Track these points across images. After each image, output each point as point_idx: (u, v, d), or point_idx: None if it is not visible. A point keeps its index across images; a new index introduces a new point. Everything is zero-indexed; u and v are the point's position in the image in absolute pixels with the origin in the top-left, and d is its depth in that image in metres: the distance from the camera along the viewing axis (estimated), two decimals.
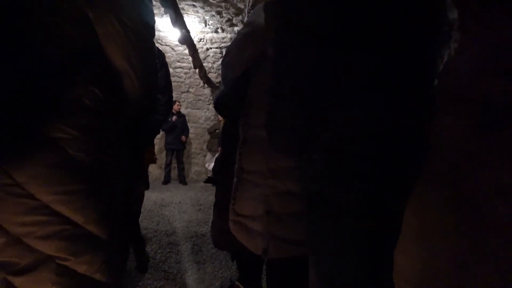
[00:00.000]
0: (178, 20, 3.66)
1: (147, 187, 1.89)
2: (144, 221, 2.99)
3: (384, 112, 0.58)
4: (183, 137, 5.54)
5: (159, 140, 5.92)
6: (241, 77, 1.14)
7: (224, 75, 1.25)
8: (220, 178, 1.48)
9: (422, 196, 1.04)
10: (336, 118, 0.61)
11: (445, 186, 0.97)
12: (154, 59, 0.84)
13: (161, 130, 4.93)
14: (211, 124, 6.14)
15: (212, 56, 6.30)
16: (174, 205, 3.89)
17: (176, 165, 5.79)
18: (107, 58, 0.71)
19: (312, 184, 0.66)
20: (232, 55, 1.14)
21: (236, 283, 1.60)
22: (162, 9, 3.67)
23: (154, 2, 0.91)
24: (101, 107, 0.70)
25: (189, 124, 5.89)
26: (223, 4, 4.86)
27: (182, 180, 5.66)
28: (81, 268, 0.68)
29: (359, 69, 0.58)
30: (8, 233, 0.62)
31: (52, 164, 0.63)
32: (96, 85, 0.68)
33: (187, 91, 6.37)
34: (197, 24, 5.67)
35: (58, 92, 0.63)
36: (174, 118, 5.38)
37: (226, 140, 1.42)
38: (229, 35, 6.02)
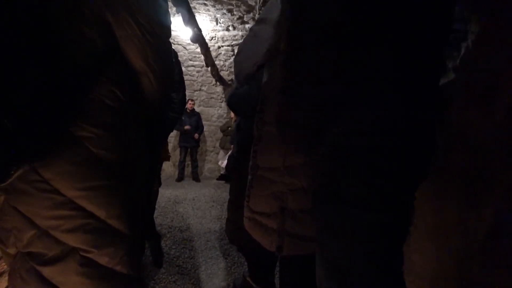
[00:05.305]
0: (190, 19, 3.70)
1: (159, 184, 1.93)
2: (158, 218, 3.05)
3: (392, 109, 0.58)
4: (196, 135, 5.60)
5: (173, 138, 6.01)
6: (254, 74, 1.14)
7: (237, 72, 1.25)
8: (235, 174, 1.49)
9: (439, 194, 1.02)
10: (346, 114, 0.62)
11: (463, 184, 0.95)
12: (171, 59, 0.86)
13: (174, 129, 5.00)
14: (224, 121, 6.18)
15: (224, 54, 6.32)
16: (188, 201, 3.95)
17: (189, 162, 5.87)
18: (126, 59, 0.74)
19: (320, 178, 0.67)
20: (245, 52, 1.14)
21: (247, 279, 1.61)
22: (174, 8, 3.72)
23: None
24: (122, 106, 0.73)
25: (202, 122, 5.95)
26: (234, 2, 4.88)
27: (196, 177, 5.73)
28: (103, 260, 0.71)
29: (369, 66, 0.58)
30: (37, 226, 0.66)
31: (76, 161, 0.67)
32: (116, 86, 0.71)
33: (200, 89, 6.43)
34: (209, 23, 5.71)
35: (81, 92, 0.66)
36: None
37: (240, 137, 1.42)
38: (240, 33, 6.03)
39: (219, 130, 6.11)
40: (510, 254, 0.80)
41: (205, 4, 4.99)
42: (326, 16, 0.58)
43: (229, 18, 5.51)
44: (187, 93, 2.07)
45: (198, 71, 6.39)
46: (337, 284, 0.65)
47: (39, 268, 0.67)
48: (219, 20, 5.64)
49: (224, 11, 5.21)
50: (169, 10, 0.82)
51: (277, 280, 1.62)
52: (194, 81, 6.39)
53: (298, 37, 0.63)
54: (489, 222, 0.86)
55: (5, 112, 0.52)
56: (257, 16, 4.80)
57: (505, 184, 0.82)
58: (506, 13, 0.78)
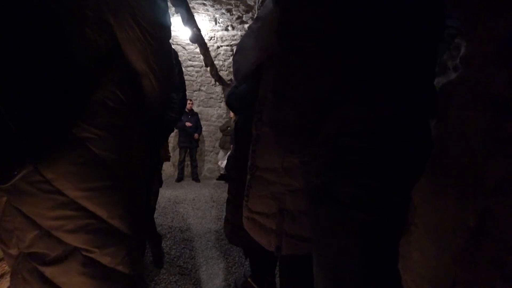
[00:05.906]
0: (189, 19, 3.71)
1: (161, 185, 1.93)
2: (159, 218, 3.06)
3: (387, 109, 0.59)
4: (196, 135, 5.61)
5: (172, 138, 6.01)
6: (253, 73, 1.14)
7: (235, 71, 1.25)
8: (234, 174, 1.49)
9: (439, 193, 1.02)
10: (340, 115, 0.62)
11: (463, 184, 0.96)
12: (171, 60, 0.87)
13: (174, 128, 5.02)
14: (223, 121, 6.18)
15: (223, 54, 6.32)
16: (188, 202, 3.96)
17: (189, 162, 5.87)
18: (128, 61, 0.75)
19: (314, 178, 0.68)
20: (243, 51, 1.14)
21: (248, 279, 1.61)
22: (173, 8, 3.72)
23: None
24: (123, 108, 0.73)
25: (201, 122, 5.95)
26: (233, 2, 4.88)
27: (195, 177, 5.74)
28: (105, 260, 0.72)
29: (363, 67, 0.58)
30: (40, 226, 0.67)
31: (78, 162, 0.67)
32: (118, 87, 0.72)
33: (199, 90, 6.43)
34: (208, 23, 5.71)
35: (84, 94, 0.66)
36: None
37: (239, 136, 1.42)
38: (239, 33, 6.03)
39: (218, 130, 6.12)
40: (494, 252, 0.80)
41: (204, 4, 4.99)
42: (320, 19, 0.58)
43: (228, 18, 5.52)
44: (186, 93, 2.07)
45: (197, 71, 6.39)
46: (334, 284, 0.66)
47: (41, 268, 0.67)
48: (218, 20, 5.64)
49: (223, 11, 5.21)
50: (169, 10, 0.83)
51: (277, 281, 1.62)
52: (193, 81, 6.39)
53: (289, 39, 0.63)
54: (477, 220, 0.87)
55: (9, 113, 0.52)
56: (256, 15, 4.79)
57: (492, 182, 0.83)
58: (506, 13, 0.79)
